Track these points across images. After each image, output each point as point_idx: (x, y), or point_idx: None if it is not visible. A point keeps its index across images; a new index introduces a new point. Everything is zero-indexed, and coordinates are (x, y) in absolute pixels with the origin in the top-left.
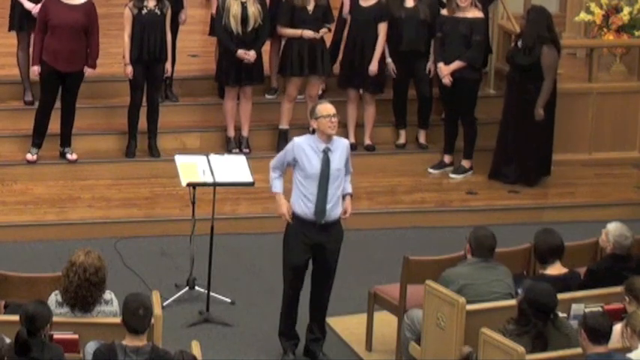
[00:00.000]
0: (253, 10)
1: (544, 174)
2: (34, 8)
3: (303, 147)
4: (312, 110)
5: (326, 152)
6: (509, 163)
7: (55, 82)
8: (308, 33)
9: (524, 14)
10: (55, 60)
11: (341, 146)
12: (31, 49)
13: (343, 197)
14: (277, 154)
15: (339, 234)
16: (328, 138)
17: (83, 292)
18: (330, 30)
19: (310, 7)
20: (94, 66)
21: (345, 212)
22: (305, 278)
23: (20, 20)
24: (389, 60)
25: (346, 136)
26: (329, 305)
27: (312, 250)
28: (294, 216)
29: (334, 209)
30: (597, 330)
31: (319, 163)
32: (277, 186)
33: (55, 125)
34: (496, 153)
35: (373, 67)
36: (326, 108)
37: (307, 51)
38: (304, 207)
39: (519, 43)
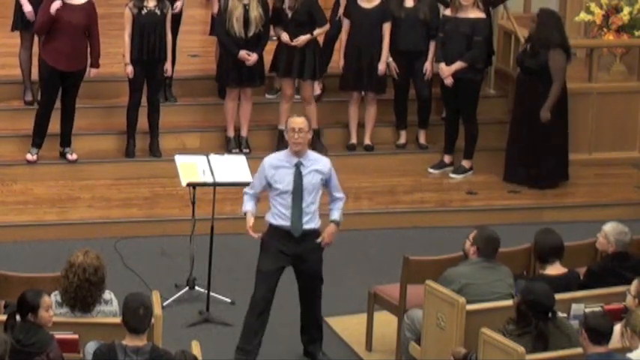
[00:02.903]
0: (256, 14)
1: (561, 178)
2: (31, 13)
3: (274, 164)
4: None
5: (298, 166)
6: (521, 165)
7: (55, 82)
8: (284, 37)
9: (535, 17)
10: (57, 60)
11: (318, 165)
12: (35, 48)
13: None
14: (275, 154)
15: (318, 243)
16: (296, 153)
17: (83, 292)
18: (312, 36)
19: (288, 11)
20: (97, 65)
21: (323, 239)
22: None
23: (24, 20)
24: (390, 59)
25: (347, 137)
26: (329, 305)
27: (292, 261)
28: (272, 227)
29: (311, 222)
30: (598, 330)
31: (292, 177)
32: (247, 206)
33: (54, 125)
34: (508, 155)
35: (382, 67)
36: (292, 122)
37: (287, 54)
38: (280, 221)
39: (528, 46)
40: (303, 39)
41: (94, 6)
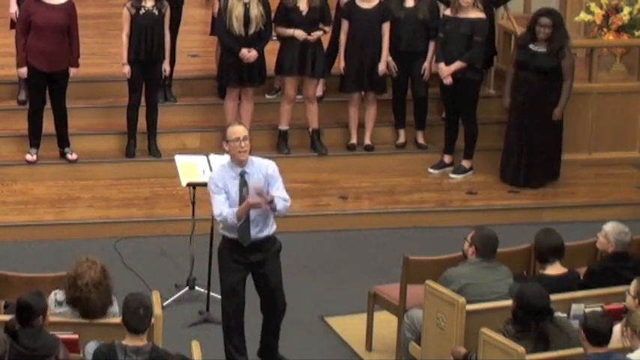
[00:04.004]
0: (256, 12)
1: (553, 177)
2: (14, 14)
3: (222, 177)
4: (226, 133)
5: (242, 176)
6: (519, 164)
7: (40, 82)
8: (299, 33)
9: (546, 18)
10: (39, 61)
11: (261, 170)
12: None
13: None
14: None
15: (272, 246)
16: (241, 162)
17: (93, 309)
18: (325, 32)
19: (303, 8)
20: (76, 65)
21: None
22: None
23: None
24: (389, 59)
25: (347, 137)
26: (329, 305)
27: (250, 270)
28: (225, 238)
29: (264, 230)
30: (597, 332)
31: (237, 188)
32: (230, 212)
33: (54, 125)
34: (505, 155)
35: (382, 67)
36: (235, 131)
37: (299, 52)
38: (232, 232)
39: (533, 46)
40: (318, 34)
41: (74, 6)
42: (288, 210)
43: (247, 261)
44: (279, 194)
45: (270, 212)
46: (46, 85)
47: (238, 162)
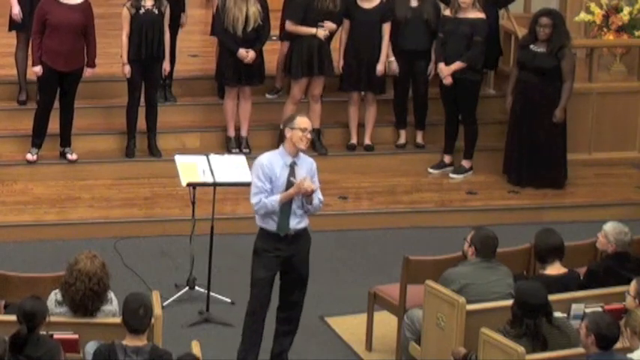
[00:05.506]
0: (254, 10)
1: (561, 180)
2: (17, 15)
3: (272, 162)
4: (289, 119)
5: (292, 166)
6: (523, 165)
7: (53, 82)
8: (322, 33)
9: (546, 18)
10: (55, 60)
11: (306, 164)
12: (30, 50)
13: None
14: (268, 154)
15: (307, 241)
16: (296, 151)
17: (85, 300)
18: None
19: (329, 7)
20: (93, 65)
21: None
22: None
23: (21, 20)
24: (392, 59)
25: (347, 137)
26: (329, 305)
27: (282, 264)
28: (264, 231)
29: (300, 223)
30: (609, 338)
31: (286, 176)
32: (272, 198)
33: (55, 125)
34: (507, 156)
35: (381, 67)
36: (303, 121)
37: (317, 50)
38: (271, 221)
39: (533, 47)
40: (333, 26)
41: (90, 6)
42: (319, 210)
43: (283, 254)
44: (316, 193)
45: (307, 208)
46: (58, 85)
47: (294, 151)
